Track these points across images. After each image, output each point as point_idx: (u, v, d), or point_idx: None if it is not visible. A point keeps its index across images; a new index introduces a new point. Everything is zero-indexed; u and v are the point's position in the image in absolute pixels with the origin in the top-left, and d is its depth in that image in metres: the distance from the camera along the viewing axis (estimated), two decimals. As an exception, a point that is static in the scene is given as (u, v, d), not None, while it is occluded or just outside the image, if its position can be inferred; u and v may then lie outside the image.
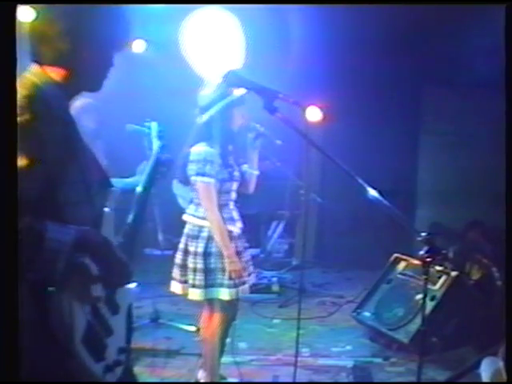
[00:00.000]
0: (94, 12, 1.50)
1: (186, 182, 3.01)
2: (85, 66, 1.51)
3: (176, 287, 3.01)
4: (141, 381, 3.37)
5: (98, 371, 1.26)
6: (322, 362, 3.72)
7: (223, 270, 2.86)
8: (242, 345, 3.90)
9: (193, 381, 3.25)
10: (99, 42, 1.51)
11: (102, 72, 1.57)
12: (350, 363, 3.68)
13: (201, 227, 2.91)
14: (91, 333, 1.24)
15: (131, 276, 1.47)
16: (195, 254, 2.89)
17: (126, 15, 1.59)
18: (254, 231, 5.41)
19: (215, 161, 2.86)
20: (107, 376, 1.29)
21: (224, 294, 2.88)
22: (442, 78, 5.77)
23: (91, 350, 1.23)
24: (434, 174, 6.24)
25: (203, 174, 2.84)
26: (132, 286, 1.56)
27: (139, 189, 1.84)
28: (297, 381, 2.87)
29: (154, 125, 2.13)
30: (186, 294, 2.98)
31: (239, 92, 2.81)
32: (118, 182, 1.94)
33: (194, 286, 2.89)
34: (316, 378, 3.45)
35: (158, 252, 4.71)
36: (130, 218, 1.69)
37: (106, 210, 1.54)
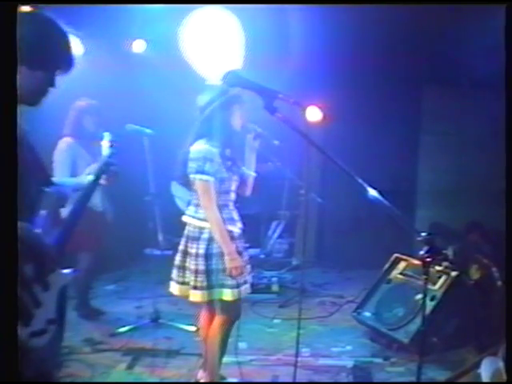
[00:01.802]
0: (37, 30, 1.56)
1: (184, 181, 3.00)
2: (23, 80, 1.55)
3: (174, 288, 3.00)
4: (141, 381, 3.38)
5: (24, 334, 1.48)
6: (322, 361, 3.72)
7: (224, 271, 2.84)
8: (242, 345, 3.89)
9: (193, 381, 3.25)
10: (40, 60, 1.57)
11: (41, 90, 1.63)
12: (350, 363, 3.67)
13: (201, 228, 2.90)
14: (18, 302, 1.45)
15: (53, 265, 1.62)
16: (196, 255, 2.87)
17: (67, 40, 1.64)
18: (254, 231, 5.41)
19: (215, 159, 2.86)
20: (33, 340, 1.52)
21: (227, 294, 2.87)
22: (442, 78, 5.77)
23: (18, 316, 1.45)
24: (434, 174, 6.24)
25: (202, 172, 2.83)
26: (66, 270, 1.72)
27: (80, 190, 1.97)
28: (297, 381, 2.87)
29: (106, 134, 2.24)
30: (184, 296, 2.96)
31: (237, 90, 2.81)
32: (63, 181, 2.05)
33: (195, 287, 2.87)
34: (316, 378, 3.45)
35: (157, 252, 4.71)
36: (65, 217, 1.81)
37: (48, 189, 1.69)
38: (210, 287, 2.85)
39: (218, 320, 2.99)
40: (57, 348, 1.74)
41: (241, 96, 2.90)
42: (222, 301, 2.90)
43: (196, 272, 2.86)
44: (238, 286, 2.87)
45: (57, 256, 1.63)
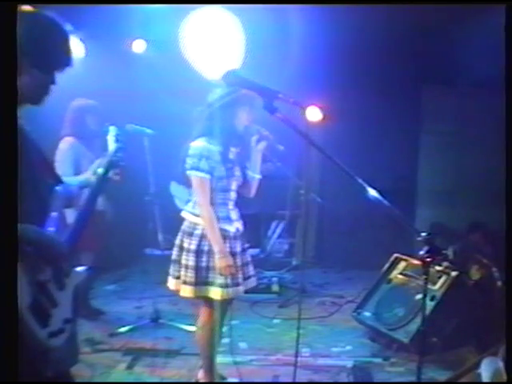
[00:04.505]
0: (37, 30, 1.57)
1: (183, 178, 3.00)
2: (26, 80, 1.56)
3: (170, 283, 3.04)
4: (141, 381, 3.38)
5: (44, 335, 1.50)
6: (321, 361, 3.72)
7: (215, 269, 2.86)
8: (242, 345, 3.90)
9: (193, 381, 3.25)
10: (43, 60, 1.59)
11: (44, 88, 1.65)
12: (350, 363, 3.67)
13: (195, 224, 2.92)
14: (36, 303, 1.48)
15: (67, 265, 1.65)
16: (188, 250, 2.90)
17: (67, 39, 1.66)
18: (254, 231, 5.41)
19: (212, 157, 2.86)
20: (52, 340, 1.53)
21: (215, 292, 2.88)
22: (442, 78, 5.77)
23: (37, 317, 1.47)
24: (434, 174, 6.24)
25: (197, 169, 2.85)
26: (80, 268, 1.75)
27: (89, 187, 1.98)
28: (297, 381, 2.87)
29: (112, 128, 2.21)
30: (178, 290, 2.99)
31: (246, 92, 2.75)
32: (70, 180, 2.07)
33: (185, 282, 2.91)
34: (316, 378, 3.45)
35: (158, 252, 4.72)
36: (75, 216, 1.81)
37: (58, 188, 1.70)
38: (197, 283, 2.87)
39: (211, 318, 2.99)
40: (74, 346, 1.77)
41: (247, 97, 2.82)
42: (210, 298, 2.91)
43: (186, 267, 2.89)
44: (227, 285, 2.87)
45: (70, 255, 1.64)
